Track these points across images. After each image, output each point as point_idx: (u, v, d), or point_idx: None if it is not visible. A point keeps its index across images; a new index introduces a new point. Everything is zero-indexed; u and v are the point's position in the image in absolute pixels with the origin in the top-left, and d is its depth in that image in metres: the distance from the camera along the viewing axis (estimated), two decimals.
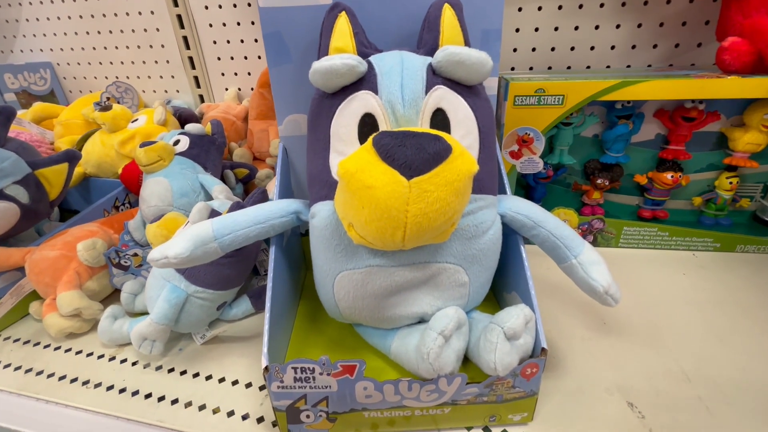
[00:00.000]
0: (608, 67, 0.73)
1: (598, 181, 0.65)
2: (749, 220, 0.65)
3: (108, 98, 0.77)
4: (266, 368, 0.32)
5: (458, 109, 0.31)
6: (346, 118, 0.31)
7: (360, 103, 0.30)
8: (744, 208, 0.64)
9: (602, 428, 0.36)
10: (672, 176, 0.62)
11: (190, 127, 0.64)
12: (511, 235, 0.37)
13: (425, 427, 0.37)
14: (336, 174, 0.31)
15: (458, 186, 0.25)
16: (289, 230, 0.43)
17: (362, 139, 0.30)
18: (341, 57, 0.29)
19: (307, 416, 0.35)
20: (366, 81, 0.31)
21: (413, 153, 0.24)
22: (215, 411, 0.41)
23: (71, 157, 0.57)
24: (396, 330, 0.36)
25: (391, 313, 0.34)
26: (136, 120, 0.72)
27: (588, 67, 0.74)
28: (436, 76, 0.31)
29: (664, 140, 0.63)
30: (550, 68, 0.75)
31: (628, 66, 0.72)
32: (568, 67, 0.75)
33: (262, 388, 0.43)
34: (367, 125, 0.30)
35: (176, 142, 0.62)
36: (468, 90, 0.32)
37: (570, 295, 0.52)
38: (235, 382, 0.44)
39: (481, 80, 0.32)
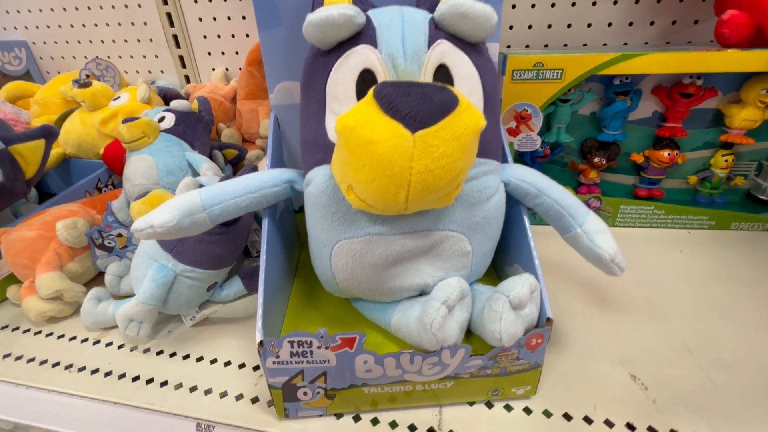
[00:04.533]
0: (605, 44, 0.72)
1: (595, 160, 0.64)
2: (743, 199, 0.65)
3: (87, 76, 0.73)
4: (261, 343, 0.30)
5: (462, 66, 0.29)
6: (342, 75, 0.29)
7: (358, 58, 0.28)
8: (738, 186, 0.64)
9: (606, 400, 0.36)
10: (669, 154, 0.62)
11: (176, 103, 0.61)
12: (514, 206, 0.36)
13: (426, 403, 0.36)
14: (333, 135, 0.30)
15: (465, 141, 0.23)
16: (282, 204, 0.41)
17: (360, 97, 0.28)
18: (338, 7, 0.27)
19: (305, 393, 0.33)
20: (364, 35, 0.29)
21: (418, 103, 0.22)
22: (207, 392, 0.39)
23: (48, 133, 0.54)
24: (396, 303, 0.35)
25: (391, 284, 0.32)
26: (118, 98, 0.68)
27: (585, 45, 0.73)
28: (438, 30, 0.29)
29: (661, 118, 0.63)
30: (546, 46, 0.74)
31: (625, 44, 0.72)
32: (565, 45, 0.73)
33: (256, 368, 0.41)
34: (366, 82, 0.28)
35: (161, 119, 0.59)
36: (471, 48, 0.30)
37: (570, 273, 0.51)
38: (227, 363, 0.42)
39: (485, 37, 0.30)
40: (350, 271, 0.32)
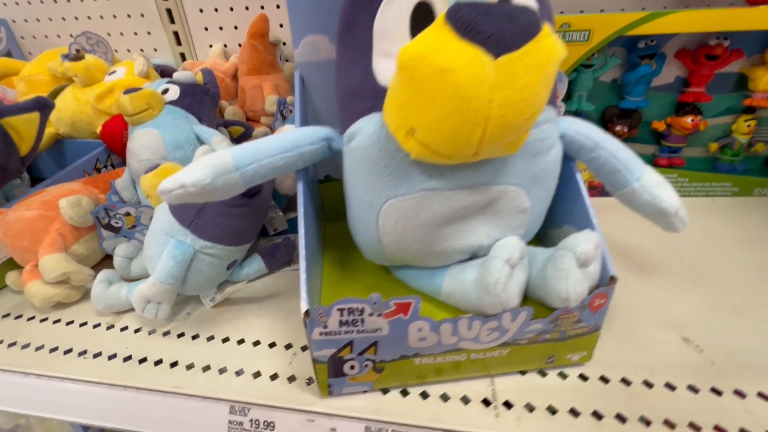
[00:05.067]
0: (623, 10, 0.70)
1: (617, 128, 0.62)
2: (761, 166, 0.65)
3: (78, 50, 0.68)
4: (307, 313, 0.28)
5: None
6: (394, 11, 0.26)
7: None
8: (758, 153, 0.63)
9: (662, 364, 0.34)
10: (692, 120, 0.60)
11: (180, 74, 0.57)
12: (566, 162, 0.34)
13: (477, 374, 0.34)
14: (384, 78, 0.27)
15: (549, 71, 0.21)
16: (311, 170, 0.39)
17: (416, 33, 0.25)
18: None
19: (351, 367, 0.31)
20: None
21: (502, 23, 0.19)
22: (238, 373, 0.36)
23: (43, 106, 0.49)
24: (445, 268, 0.33)
25: (443, 246, 0.30)
26: (113, 72, 0.64)
27: (602, 11, 0.71)
28: None
29: (684, 83, 0.61)
30: (562, 13, 0.72)
31: (643, 9, 0.70)
32: (581, 12, 0.71)
33: (288, 346, 0.39)
34: (421, 17, 0.25)
35: (164, 92, 0.55)
36: None
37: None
38: (256, 343, 0.39)
39: None
40: (400, 233, 0.30)
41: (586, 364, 0.35)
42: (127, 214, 0.48)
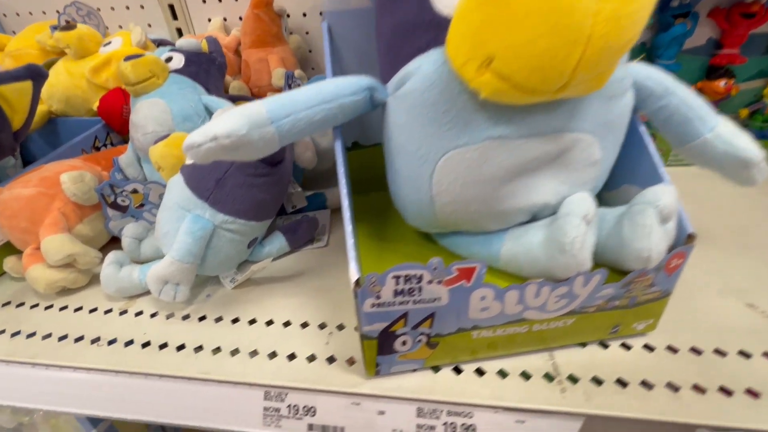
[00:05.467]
0: None
1: None
2: None
3: (67, 21, 0.63)
4: (357, 282, 0.25)
5: None
6: None
7: None
8: None
9: (730, 332, 0.32)
10: (725, 83, 0.58)
11: (183, 42, 0.52)
12: None
13: (534, 348, 0.31)
14: (446, 5, 0.23)
15: None
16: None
17: None
18: None
19: (403, 343, 0.28)
20: None
21: None
22: (271, 356, 0.33)
23: (36, 74, 0.45)
24: (503, 231, 0.30)
25: (506, 205, 0.27)
26: (108, 43, 0.59)
27: None
28: None
29: (716, 45, 0.58)
30: None
31: None
32: None
33: (322, 326, 0.35)
34: None
35: (168, 60, 0.51)
36: None
37: None
38: (286, 324, 0.36)
39: None
40: (458, 191, 0.26)
41: (649, 334, 0.32)
42: (135, 191, 0.44)
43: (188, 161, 0.38)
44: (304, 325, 0.36)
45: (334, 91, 0.27)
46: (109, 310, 0.39)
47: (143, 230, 0.44)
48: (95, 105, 0.57)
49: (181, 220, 0.37)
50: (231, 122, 0.24)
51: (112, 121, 0.55)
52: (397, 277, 0.25)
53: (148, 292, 0.41)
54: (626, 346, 0.32)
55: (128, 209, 0.45)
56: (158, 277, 0.36)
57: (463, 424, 0.29)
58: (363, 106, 0.28)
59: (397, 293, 0.25)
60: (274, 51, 0.70)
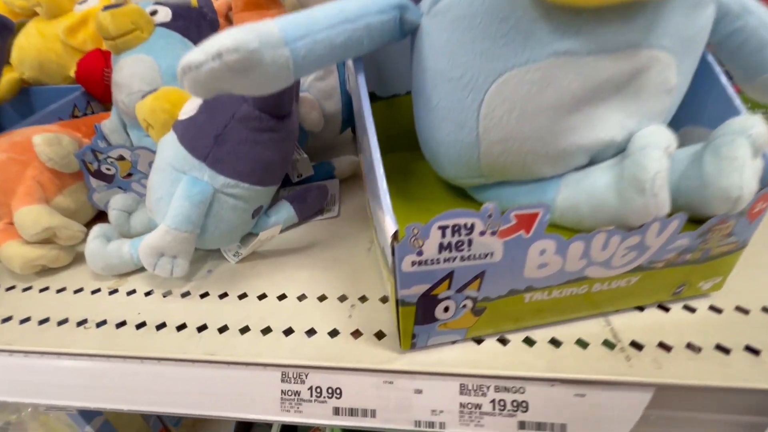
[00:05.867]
0: None
1: None
2: None
3: None
4: (395, 235, 0.21)
5: None
6: None
7: None
8: None
9: None
10: None
11: None
12: None
13: (584, 313, 0.27)
14: None
15: None
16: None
17: None
18: None
19: (446, 309, 0.24)
20: None
21: None
22: (287, 332, 0.29)
23: (2, 26, 0.39)
24: (558, 179, 0.25)
25: (566, 143, 0.23)
26: (84, 1, 0.53)
27: None
28: None
29: None
30: None
31: None
32: None
33: (342, 299, 0.31)
34: None
35: (153, 14, 0.45)
36: None
37: None
38: (301, 297, 0.32)
39: None
40: (513, 125, 0.22)
41: (713, 296, 0.29)
42: (121, 158, 0.39)
43: (182, 114, 0.34)
44: (322, 298, 0.32)
45: (358, 8, 0.22)
46: (97, 290, 0.35)
47: (133, 202, 0.39)
48: (72, 71, 0.52)
49: (176, 184, 0.33)
50: (238, 35, 0.19)
51: (93, 87, 0.50)
52: (444, 228, 0.20)
53: (141, 269, 0.36)
54: (690, 309, 0.28)
55: (114, 179, 0.40)
56: (152, 249, 0.32)
57: (513, 401, 0.25)
58: (391, 30, 0.23)
59: (442, 248, 0.21)
60: (269, 14, 0.64)
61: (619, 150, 0.24)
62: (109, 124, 0.44)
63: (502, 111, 0.22)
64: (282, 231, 0.40)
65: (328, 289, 0.32)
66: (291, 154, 0.39)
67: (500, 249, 0.22)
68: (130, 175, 0.41)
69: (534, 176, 0.25)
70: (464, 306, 0.24)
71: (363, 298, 0.31)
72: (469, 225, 0.20)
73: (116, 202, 0.38)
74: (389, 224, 0.21)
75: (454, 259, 0.22)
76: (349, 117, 0.52)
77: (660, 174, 0.20)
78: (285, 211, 0.40)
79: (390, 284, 0.24)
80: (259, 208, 0.37)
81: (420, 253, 0.21)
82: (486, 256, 0.22)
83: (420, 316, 0.24)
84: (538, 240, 0.21)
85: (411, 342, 0.26)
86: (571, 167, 0.25)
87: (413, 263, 0.21)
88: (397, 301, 0.23)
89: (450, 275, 0.22)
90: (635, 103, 0.22)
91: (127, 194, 0.40)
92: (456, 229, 0.21)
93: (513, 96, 0.21)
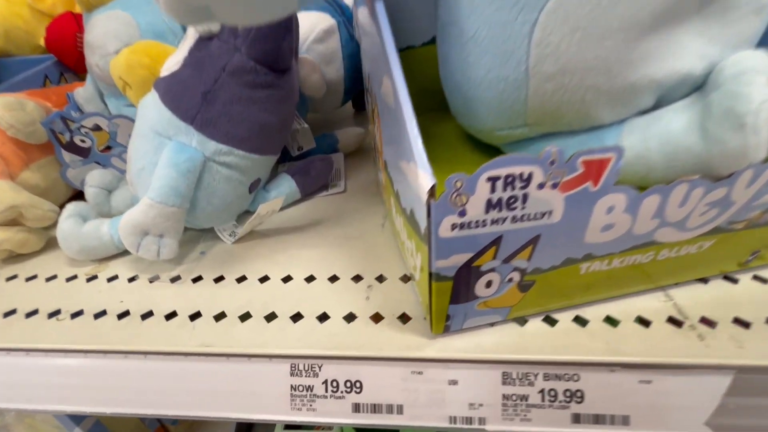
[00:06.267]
0: None
1: None
2: None
3: None
4: (432, 190, 0.16)
5: None
6: None
7: None
8: None
9: None
10: None
11: None
12: None
13: (639, 287, 0.24)
14: None
15: None
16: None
17: None
18: None
19: (488, 284, 0.20)
20: None
21: None
22: (295, 318, 0.25)
23: None
24: (618, 125, 0.21)
25: (635, 75, 0.19)
26: None
27: None
28: None
29: None
30: None
31: None
32: None
33: (357, 279, 0.27)
34: None
35: None
36: None
37: None
38: (310, 279, 0.28)
39: None
40: (573, 51, 0.18)
41: None
42: (97, 128, 0.34)
43: (164, 70, 0.29)
44: (333, 279, 0.28)
45: None
46: (73, 277, 0.30)
47: (113, 179, 0.35)
48: (42, 38, 0.47)
49: (160, 152, 0.28)
50: None
51: (65, 55, 0.45)
52: (494, 180, 0.16)
53: (124, 253, 0.32)
54: (761, 279, 0.24)
55: (90, 153, 0.35)
56: (134, 227, 0.27)
57: (566, 391, 0.22)
58: None
59: (490, 206, 0.17)
60: None
61: (694, 87, 0.20)
62: (83, 92, 0.39)
63: (561, 34, 0.18)
64: (283, 208, 0.36)
65: (339, 269, 0.28)
66: (291, 119, 0.34)
67: (560, 206, 0.18)
68: (108, 148, 0.36)
69: (589, 123, 0.21)
70: (510, 280, 0.20)
71: (380, 278, 0.27)
72: (525, 175, 0.16)
73: (93, 179, 0.34)
74: (424, 178, 0.17)
75: (504, 220, 0.18)
76: (352, 86, 0.47)
77: (765, 105, 0.16)
78: (286, 186, 0.35)
79: (420, 256, 0.20)
80: (257, 181, 0.33)
81: (462, 213, 0.17)
82: (543, 215, 0.18)
83: (457, 293, 0.20)
84: (607, 194, 0.17)
85: (444, 325, 0.22)
86: (635, 110, 0.21)
87: (453, 226, 0.17)
88: (430, 276, 0.19)
89: (497, 241, 0.18)
90: (719, 26, 0.18)
91: (107, 170, 0.35)
92: (509, 181, 0.16)
93: (576, 13, 0.17)
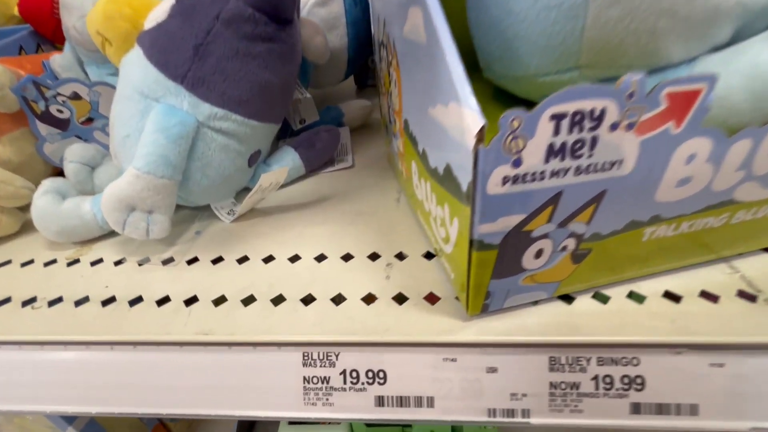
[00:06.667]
0: None
1: None
2: None
3: None
4: (481, 133, 0.13)
5: None
6: None
7: None
8: None
9: None
10: None
11: None
12: None
13: (698, 258, 0.21)
14: None
15: None
16: None
17: None
18: None
19: (538, 253, 0.17)
20: None
21: None
22: (307, 301, 0.22)
23: None
24: (687, 65, 0.18)
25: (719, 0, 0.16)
26: None
27: None
28: None
29: None
30: None
31: None
32: None
33: (374, 257, 0.24)
34: None
35: None
36: None
37: None
38: (320, 258, 0.25)
39: None
40: None
41: None
42: (76, 96, 0.31)
43: (149, 22, 0.25)
44: (346, 257, 0.25)
45: None
46: (52, 262, 0.27)
47: (96, 154, 0.31)
48: (15, 8, 0.43)
49: (146, 116, 0.25)
50: None
51: (41, 22, 0.40)
52: (559, 118, 0.13)
53: (109, 234, 0.28)
54: None
55: (69, 125, 0.32)
56: (119, 201, 0.24)
57: (624, 377, 0.19)
58: None
59: (552, 153, 0.14)
60: None
61: None
62: (60, 59, 0.35)
63: None
64: (285, 185, 0.33)
65: (353, 247, 0.25)
66: (293, 83, 0.31)
67: (634, 154, 0.14)
68: (90, 120, 0.32)
69: (654, 61, 0.18)
70: (563, 248, 0.17)
71: (400, 256, 0.24)
72: (597, 112, 0.13)
73: (73, 153, 0.30)
74: (472, 118, 0.14)
75: (566, 171, 0.14)
76: (355, 55, 0.44)
77: None
78: (289, 159, 0.32)
79: (458, 222, 0.17)
80: (257, 153, 0.30)
81: (517, 163, 0.14)
82: (612, 166, 0.15)
83: (501, 265, 0.17)
84: (691, 138, 0.14)
85: (482, 304, 0.19)
86: (709, 46, 0.17)
87: (505, 180, 0.14)
88: (470, 245, 0.16)
89: (555, 199, 0.15)
90: None
91: (89, 145, 0.32)
92: (577, 120, 0.13)
93: None
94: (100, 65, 0.35)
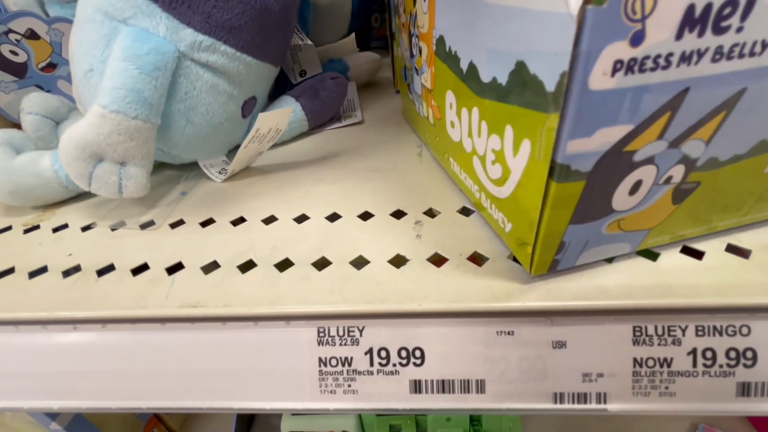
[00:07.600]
0: None
1: None
2: None
3: None
4: (581, 16, 0.09)
5: None
6: None
7: None
8: None
9: None
10: None
11: None
12: None
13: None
14: None
15: None
16: None
17: None
18: None
19: (635, 186, 0.13)
20: None
21: None
22: (320, 265, 0.18)
23: None
24: None
25: None
26: None
27: None
28: None
29: None
30: None
31: None
32: None
33: (398, 215, 0.20)
34: None
35: None
36: None
37: None
38: (333, 217, 0.20)
39: None
40: None
41: None
42: (33, 35, 0.26)
43: None
44: (365, 216, 0.20)
45: None
46: (6, 229, 0.22)
47: (61, 106, 0.26)
48: None
49: (112, 40, 0.20)
50: None
51: None
52: None
53: (79, 197, 0.24)
54: None
55: (27, 70, 0.27)
56: (81, 148, 0.19)
57: (730, 350, 0.15)
58: None
59: (689, 22, 0.10)
60: None
61: None
62: None
63: None
64: (287, 142, 0.28)
65: (371, 205, 0.21)
66: (294, 17, 0.26)
67: None
68: (53, 66, 0.27)
69: None
70: (668, 180, 0.13)
71: (431, 213, 0.20)
72: None
73: (31, 103, 0.25)
74: None
75: (702, 55, 0.10)
76: (360, 7, 0.39)
77: None
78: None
79: (530, 145, 0.13)
80: (251, 100, 0.25)
81: (638, 38, 0.10)
82: (764, 49, 0.10)
83: (588, 202, 0.13)
84: None
85: (552, 259, 0.15)
86: None
87: (617, 66, 0.10)
88: (551, 172, 0.12)
89: (678, 100, 0.11)
90: None
91: (51, 96, 0.27)
92: None
93: None
94: (64, 4, 0.29)
